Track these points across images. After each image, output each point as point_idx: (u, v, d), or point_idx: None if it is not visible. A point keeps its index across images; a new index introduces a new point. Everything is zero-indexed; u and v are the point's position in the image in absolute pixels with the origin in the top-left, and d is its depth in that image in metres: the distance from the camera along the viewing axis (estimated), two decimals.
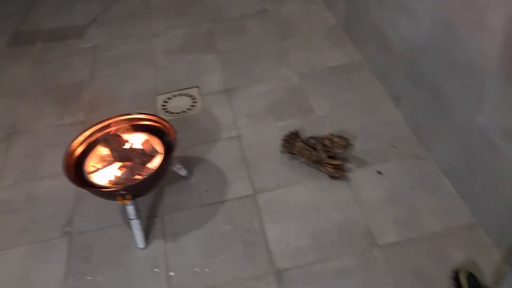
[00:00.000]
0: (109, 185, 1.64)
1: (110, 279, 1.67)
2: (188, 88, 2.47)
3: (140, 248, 1.74)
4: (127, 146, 1.75)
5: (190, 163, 2.02)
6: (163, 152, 1.74)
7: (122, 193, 1.58)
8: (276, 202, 1.85)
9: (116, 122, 1.82)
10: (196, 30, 2.91)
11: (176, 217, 1.84)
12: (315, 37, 2.69)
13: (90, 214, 1.90)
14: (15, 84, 2.68)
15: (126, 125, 1.82)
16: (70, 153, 1.72)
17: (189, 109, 2.35)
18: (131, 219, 1.69)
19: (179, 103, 2.39)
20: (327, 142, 1.90)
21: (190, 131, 2.19)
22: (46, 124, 2.39)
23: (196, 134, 2.18)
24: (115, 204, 1.77)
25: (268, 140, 2.10)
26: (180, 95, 2.44)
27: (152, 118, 1.81)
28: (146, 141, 1.79)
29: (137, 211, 1.69)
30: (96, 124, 1.82)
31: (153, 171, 1.65)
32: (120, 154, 1.70)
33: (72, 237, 1.82)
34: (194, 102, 2.38)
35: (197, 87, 2.47)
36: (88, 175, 1.69)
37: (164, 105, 2.39)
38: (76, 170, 1.71)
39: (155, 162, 1.72)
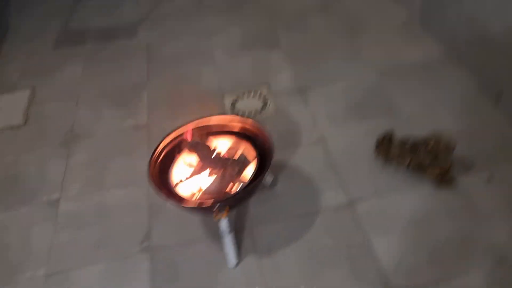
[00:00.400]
0: (203, 200, 1.46)
1: None
2: (256, 88, 2.29)
3: (232, 266, 1.56)
4: (216, 153, 1.57)
5: (272, 170, 1.84)
6: (256, 160, 1.55)
7: (221, 207, 1.40)
8: (377, 212, 1.66)
9: (197, 126, 1.64)
10: (255, 26, 2.73)
11: (267, 230, 1.66)
12: (387, 33, 2.50)
13: (168, 226, 1.73)
14: (68, 86, 2.53)
15: (209, 130, 1.64)
16: (153, 162, 1.54)
17: (262, 110, 2.17)
18: (223, 234, 1.51)
19: (249, 103, 2.21)
20: (432, 143, 1.70)
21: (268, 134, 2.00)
22: (107, 128, 2.22)
23: (274, 138, 1.98)
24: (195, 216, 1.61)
25: (356, 143, 1.91)
26: (248, 94, 2.26)
27: (240, 121, 1.63)
28: (235, 147, 1.62)
29: (231, 225, 1.51)
30: (176, 129, 1.64)
31: (252, 181, 1.46)
32: (210, 162, 1.52)
33: (153, 253, 1.65)
34: (265, 103, 2.20)
35: (267, 86, 2.29)
36: (174, 187, 1.52)
37: (233, 106, 2.21)
38: (161, 181, 1.53)
39: (248, 171, 1.54)
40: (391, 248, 1.54)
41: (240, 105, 2.21)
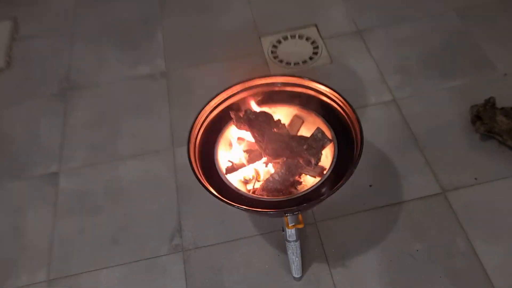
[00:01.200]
0: (271, 199, 1.05)
1: None
2: (302, 28, 1.80)
3: (296, 278, 1.19)
4: (280, 129, 1.14)
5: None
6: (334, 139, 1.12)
7: (295, 214, 1.00)
8: (480, 206, 1.28)
9: (254, 89, 1.19)
10: None
11: (336, 227, 1.28)
12: None
13: (204, 218, 1.34)
14: (60, 17, 2.00)
15: (264, 95, 1.19)
16: (194, 139, 1.11)
17: (311, 58, 1.70)
18: (288, 241, 1.12)
19: (295, 48, 1.74)
20: None
21: None
22: (113, 75, 1.75)
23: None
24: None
25: (440, 109, 1.49)
26: (292, 36, 1.78)
27: (312, 86, 1.18)
28: (299, 119, 1.18)
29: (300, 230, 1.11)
30: (222, 92, 1.19)
31: (337, 175, 1.05)
32: (276, 144, 1.08)
33: (187, 254, 1.27)
34: (315, 48, 1.73)
35: (315, 25, 1.80)
36: (224, 175, 1.10)
37: (274, 52, 1.73)
38: (202, 164, 1.11)
39: (323, 158, 1.11)
40: (505, 259, 1.17)
41: (283, 51, 1.74)
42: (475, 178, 1.32)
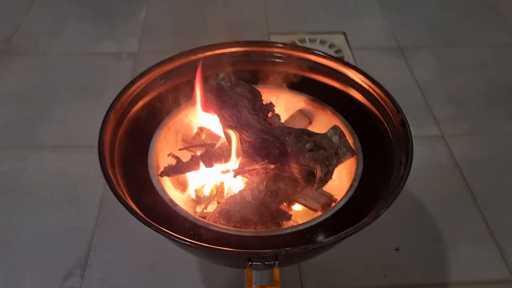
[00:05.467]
0: (230, 230, 0.56)
1: None
2: (326, 33, 1.38)
3: None
4: (268, 117, 0.66)
5: None
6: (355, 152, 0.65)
7: (269, 261, 0.50)
8: None
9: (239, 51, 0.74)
10: None
11: None
12: None
13: (124, 252, 0.83)
14: None
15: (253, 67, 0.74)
16: (117, 113, 0.64)
17: None
18: None
19: None
20: None
21: None
22: (69, 47, 1.33)
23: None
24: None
25: (508, 156, 1.01)
26: (312, 41, 1.35)
27: (343, 69, 0.72)
28: (306, 122, 0.72)
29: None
30: (194, 51, 0.73)
31: (354, 211, 0.56)
32: (257, 134, 0.60)
33: None
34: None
35: (343, 33, 1.37)
36: (158, 181, 0.61)
37: None
38: (125, 158, 0.63)
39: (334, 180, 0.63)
40: None
41: None
42: None
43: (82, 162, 1.00)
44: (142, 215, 0.53)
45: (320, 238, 0.57)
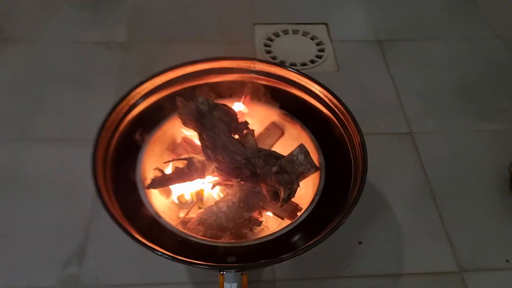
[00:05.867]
0: (205, 240, 0.65)
1: None
2: (309, 24, 1.43)
3: None
4: (243, 137, 0.74)
5: None
6: (322, 167, 0.74)
7: (236, 271, 0.60)
8: None
9: (220, 72, 0.80)
10: None
11: None
12: None
13: (119, 245, 0.93)
14: None
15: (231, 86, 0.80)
16: (109, 131, 0.71)
17: (313, 61, 1.32)
18: None
19: (295, 46, 1.37)
20: None
21: None
22: (59, 35, 1.37)
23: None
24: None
25: (470, 156, 1.12)
26: (295, 32, 1.41)
27: (310, 87, 0.79)
28: (277, 130, 0.80)
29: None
30: (174, 69, 0.80)
31: (317, 224, 0.66)
32: (230, 156, 0.68)
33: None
34: (320, 51, 1.35)
35: (325, 24, 1.43)
36: (145, 192, 0.70)
37: (268, 45, 1.35)
38: (115, 170, 0.71)
39: (301, 191, 0.72)
40: None
41: (279, 46, 1.36)
42: (507, 260, 0.93)
43: (77, 154, 1.07)
44: (132, 232, 0.62)
45: (287, 243, 0.67)
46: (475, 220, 1.00)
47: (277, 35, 1.40)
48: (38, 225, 0.96)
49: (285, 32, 1.42)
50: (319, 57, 1.34)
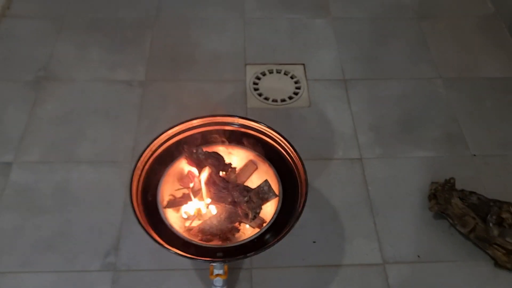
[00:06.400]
0: (202, 243, 1.04)
1: None
2: (290, 64, 1.80)
3: None
4: (228, 174, 1.13)
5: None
6: (279, 195, 1.12)
7: (221, 264, 0.99)
8: (415, 285, 1.27)
9: (214, 125, 1.18)
10: None
11: (271, 277, 1.28)
12: (464, 25, 1.98)
13: (144, 241, 1.30)
14: (54, 3, 1.98)
15: (222, 135, 1.18)
16: (140, 170, 1.09)
17: (291, 97, 1.69)
18: (215, 286, 1.11)
19: (277, 84, 1.73)
20: (506, 215, 1.28)
21: (294, 135, 1.44)
22: (92, 74, 1.74)
23: (301, 141, 1.42)
24: None
25: (404, 177, 1.49)
26: (278, 71, 1.78)
27: (275, 137, 1.17)
28: (253, 165, 1.17)
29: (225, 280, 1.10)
30: (182, 124, 1.18)
31: (274, 232, 1.04)
32: (218, 190, 1.07)
33: (117, 275, 1.26)
34: (297, 88, 1.72)
35: (303, 65, 1.80)
36: (162, 210, 1.08)
37: (256, 83, 1.73)
38: (143, 195, 1.10)
39: (268, 208, 1.11)
40: None
41: (265, 84, 1.73)
42: (418, 256, 1.32)
43: (109, 174, 1.46)
44: (154, 237, 1.00)
45: (255, 244, 1.06)
46: (399, 226, 1.37)
47: (264, 74, 1.77)
48: (85, 227, 1.35)
49: (271, 71, 1.78)
50: (296, 93, 1.71)
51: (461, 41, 1.91)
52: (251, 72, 1.77)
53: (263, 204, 1.08)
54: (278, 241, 1.01)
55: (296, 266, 1.29)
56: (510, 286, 1.27)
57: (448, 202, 1.35)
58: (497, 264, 1.29)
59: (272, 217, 1.09)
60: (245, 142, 1.20)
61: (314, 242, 1.34)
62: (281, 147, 1.17)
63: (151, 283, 1.25)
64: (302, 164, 1.11)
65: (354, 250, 1.32)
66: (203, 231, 1.09)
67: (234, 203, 1.06)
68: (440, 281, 1.28)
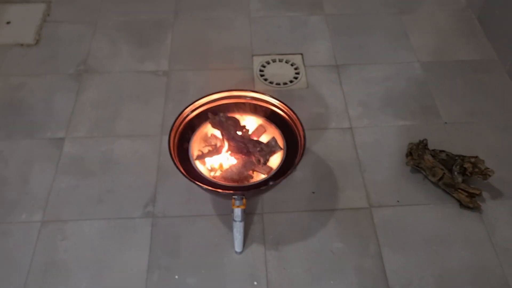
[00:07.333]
0: (225, 184, 1.35)
1: (201, 283, 1.43)
2: (290, 54, 2.12)
3: (237, 252, 1.49)
4: (243, 132, 1.45)
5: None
6: (284, 149, 1.44)
7: (240, 197, 1.30)
8: (395, 223, 1.58)
9: (232, 98, 1.50)
10: None
11: (278, 219, 1.58)
12: (440, 18, 2.29)
13: (175, 194, 1.64)
14: (88, 8, 2.32)
15: (246, 104, 1.50)
16: (176, 129, 1.42)
17: (292, 81, 2.01)
18: (235, 221, 1.42)
19: (280, 70, 2.05)
20: (467, 165, 1.59)
21: (295, 110, 1.83)
22: (124, 66, 2.06)
23: (301, 116, 1.77)
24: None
25: (386, 141, 1.79)
26: (280, 60, 2.10)
27: (276, 104, 1.49)
28: (263, 130, 1.49)
29: (244, 212, 1.42)
30: (209, 95, 1.50)
31: (276, 174, 1.35)
32: (237, 143, 1.39)
33: (155, 220, 1.57)
34: (297, 73, 2.04)
35: (301, 54, 2.12)
36: (194, 161, 1.41)
37: (262, 70, 2.05)
38: (179, 152, 1.42)
39: (274, 159, 1.42)
40: (402, 266, 1.47)
41: (269, 71, 2.05)
42: (398, 201, 1.62)
43: (145, 145, 1.78)
44: (184, 173, 1.32)
45: (265, 185, 1.37)
46: (382, 179, 1.68)
47: (268, 63, 2.10)
48: (127, 185, 1.67)
49: (274, 60, 2.11)
50: (296, 78, 2.03)
51: (437, 31, 2.22)
52: (257, 62, 2.09)
53: (271, 156, 1.39)
54: (283, 179, 1.32)
55: (299, 211, 1.60)
56: (471, 222, 1.57)
57: (421, 157, 1.66)
58: (462, 205, 1.59)
59: (278, 166, 1.41)
60: (256, 111, 1.52)
61: (313, 192, 1.65)
62: (284, 113, 1.49)
63: (182, 226, 1.56)
64: (301, 124, 1.42)
65: (345, 198, 1.63)
66: (225, 178, 1.40)
67: (248, 152, 1.38)
68: (416, 220, 1.58)
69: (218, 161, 1.47)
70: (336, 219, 1.58)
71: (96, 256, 1.49)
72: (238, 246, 1.48)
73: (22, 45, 2.12)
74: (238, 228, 1.43)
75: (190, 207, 1.60)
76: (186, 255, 1.49)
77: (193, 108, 1.48)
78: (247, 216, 1.58)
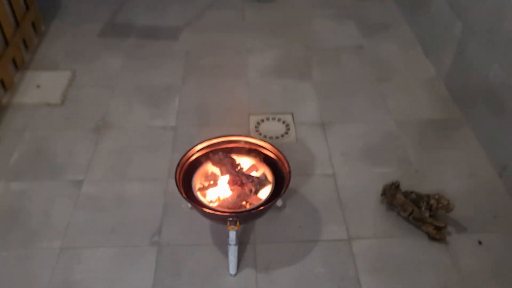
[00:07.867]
0: (221, 209, 1.60)
1: None
2: (282, 113, 2.44)
3: (231, 275, 1.70)
4: (238, 169, 1.72)
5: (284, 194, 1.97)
6: (273, 183, 1.70)
7: (234, 220, 1.54)
8: (371, 252, 1.79)
9: (229, 142, 1.79)
10: (291, 54, 2.88)
11: (268, 248, 1.80)
12: (412, 85, 2.64)
13: (179, 226, 1.87)
14: (107, 75, 2.69)
15: (241, 148, 1.79)
16: (182, 165, 1.69)
17: (283, 135, 2.31)
18: (230, 244, 1.65)
19: (272, 127, 2.36)
20: (432, 201, 1.84)
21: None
22: (137, 122, 2.37)
23: (290, 163, 2.06)
24: (205, 222, 1.79)
25: (364, 185, 2.05)
26: (273, 118, 2.41)
27: (267, 147, 1.77)
28: (256, 168, 1.76)
29: (238, 237, 1.64)
30: (207, 140, 1.79)
31: (267, 202, 1.60)
32: (233, 177, 1.66)
33: (160, 248, 1.79)
34: (288, 130, 2.34)
35: (291, 113, 2.44)
36: (196, 192, 1.66)
37: (257, 127, 2.35)
38: (184, 183, 1.68)
39: (264, 192, 1.68)
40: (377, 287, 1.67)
41: (263, 127, 2.35)
42: (374, 234, 1.85)
43: (152, 187, 2.04)
44: (187, 199, 1.57)
45: (254, 211, 1.62)
46: (361, 215, 1.91)
47: (262, 120, 2.41)
48: (136, 219, 1.90)
49: (268, 118, 2.42)
50: (287, 133, 2.33)
51: (410, 95, 2.56)
52: (253, 120, 2.40)
53: (261, 188, 1.66)
54: (272, 204, 1.58)
55: (286, 242, 1.82)
56: (439, 252, 1.79)
57: (393, 196, 1.91)
58: (430, 237, 1.82)
59: (267, 197, 1.67)
60: (250, 153, 1.80)
61: (299, 226, 1.88)
62: (273, 154, 1.77)
63: (184, 253, 1.78)
64: (287, 161, 1.70)
65: (328, 231, 1.86)
66: (222, 206, 1.65)
67: (242, 184, 1.64)
68: (390, 250, 1.80)
69: (216, 195, 1.72)
70: (319, 248, 1.80)
71: (107, 277, 1.69)
72: (232, 269, 1.69)
73: (49, 104, 2.45)
74: (232, 251, 1.66)
75: (191, 237, 1.83)
76: (187, 278, 1.70)
77: (196, 150, 1.76)
78: (241, 246, 1.80)
